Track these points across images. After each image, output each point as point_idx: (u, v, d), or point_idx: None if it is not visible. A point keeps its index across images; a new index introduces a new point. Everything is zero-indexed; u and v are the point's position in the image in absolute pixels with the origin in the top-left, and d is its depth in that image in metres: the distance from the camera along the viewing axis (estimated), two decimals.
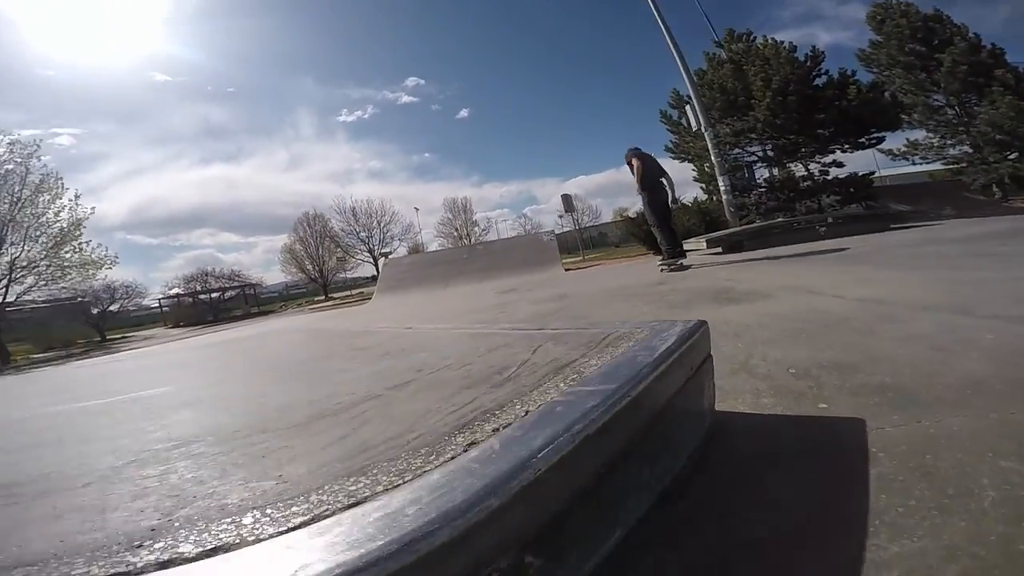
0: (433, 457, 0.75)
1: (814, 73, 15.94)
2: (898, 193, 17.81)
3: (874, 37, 18.85)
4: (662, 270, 5.98)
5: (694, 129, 13.44)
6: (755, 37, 17.06)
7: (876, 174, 18.44)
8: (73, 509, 0.80)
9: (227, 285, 33.54)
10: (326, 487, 0.70)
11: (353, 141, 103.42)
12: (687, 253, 6.55)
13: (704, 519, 0.85)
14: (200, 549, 0.58)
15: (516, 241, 16.55)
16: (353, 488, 0.68)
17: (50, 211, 19.35)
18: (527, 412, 0.87)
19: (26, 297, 20.15)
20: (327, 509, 0.62)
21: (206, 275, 33.45)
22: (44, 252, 19.35)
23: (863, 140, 16.34)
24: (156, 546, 0.60)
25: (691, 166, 17.91)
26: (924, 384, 1.26)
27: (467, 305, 5.89)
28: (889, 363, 1.46)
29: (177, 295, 32.17)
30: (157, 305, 33.23)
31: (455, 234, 43.03)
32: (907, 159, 19.34)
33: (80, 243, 19.83)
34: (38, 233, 19.24)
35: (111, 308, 27.66)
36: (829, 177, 16.47)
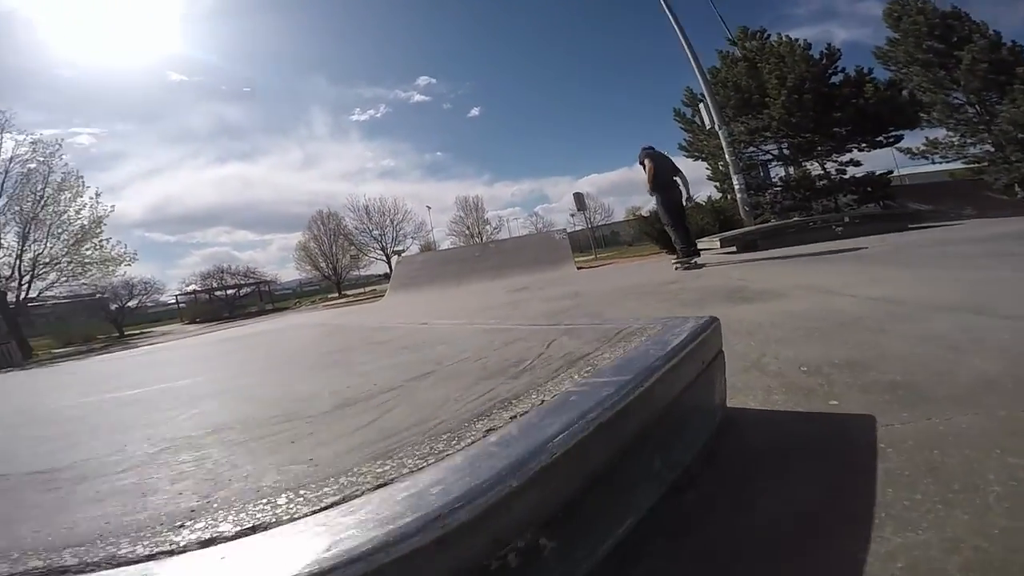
0: (455, 442, 0.79)
1: (830, 71, 15.74)
2: (917, 192, 17.46)
3: (891, 34, 18.42)
4: (676, 269, 5.98)
5: (708, 127, 13.30)
6: (769, 35, 16.91)
7: (895, 173, 18.14)
8: (115, 492, 0.83)
9: (242, 282, 34.12)
10: (355, 469, 0.73)
11: (366, 140, 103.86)
12: (701, 252, 6.53)
13: (715, 509, 0.87)
14: (239, 528, 0.61)
15: (528, 239, 16.50)
16: (380, 470, 0.71)
17: (71, 209, 19.88)
18: (543, 401, 0.91)
19: (48, 293, 20.66)
20: (357, 490, 0.66)
21: (222, 272, 34.14)
22: (65, 249, 19.83)
23: (881, 139, 16.10)
24: (197, 526, 0.63)
25: (705, 164, 17.84)
26: (935, 382, 1.26)
27: (480, 302, 5.92)
28: (901, 361, 1.46)
29: (194, 292, 32.79)
30: (174, 301, 33.91)
31: (467, 232, 43.22)
32: (926, 158, 18.90)
33: (100, 240, 20.35)
34: (60, 230, 19.77)
35: (129, 304, 28.16)
36: (846, 176, 16.25)
